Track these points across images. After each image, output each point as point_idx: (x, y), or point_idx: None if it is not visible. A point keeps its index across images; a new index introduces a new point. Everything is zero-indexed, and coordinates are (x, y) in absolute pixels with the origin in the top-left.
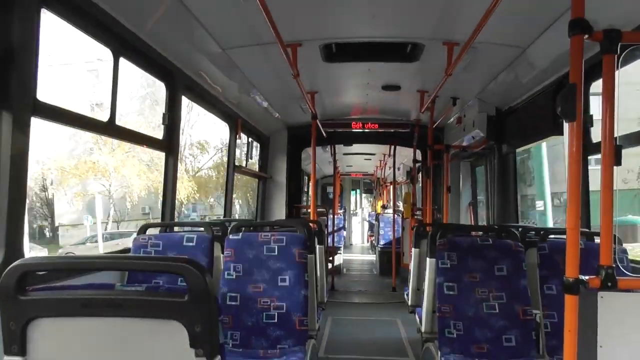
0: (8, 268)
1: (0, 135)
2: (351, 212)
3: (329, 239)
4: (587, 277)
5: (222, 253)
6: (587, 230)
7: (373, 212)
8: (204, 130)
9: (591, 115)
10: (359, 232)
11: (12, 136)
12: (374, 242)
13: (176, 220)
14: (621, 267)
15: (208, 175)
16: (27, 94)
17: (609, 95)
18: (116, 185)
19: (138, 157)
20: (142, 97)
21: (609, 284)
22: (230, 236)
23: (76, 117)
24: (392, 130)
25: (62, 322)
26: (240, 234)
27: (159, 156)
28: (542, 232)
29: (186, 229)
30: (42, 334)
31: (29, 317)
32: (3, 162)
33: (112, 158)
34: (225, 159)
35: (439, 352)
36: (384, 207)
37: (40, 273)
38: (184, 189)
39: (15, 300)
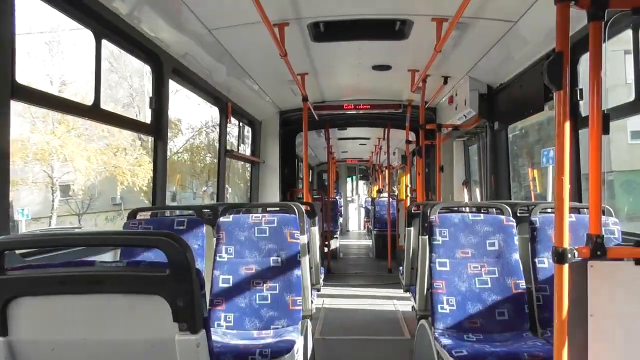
0: None
1: None
2: (347, 199)
3: (325, 224)
4: (576, 247)
5: (214, 236)
6: (577, 203)
7: (369, 198)
8: (178, 108)
9: (581, 89)
10: (356, 219)
11: None
12: (370, 227)
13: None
14: (612, 238)
15: (187, 159)
16: (5, 76)
17: (596, 64)
18: (65, 171)
19: (89, 137)
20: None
21: (598, 252)
22: (221, 218)
23: (58, 101)
24: (384, 112)
25: (42, 300)
26: (232, 216)
27: (132, 136)
28: (533, 207)
29: (177, 212)
30: (22, 313)
31: (8, 296)
32: None
33: (55, 138)
34: (209, 140)
35: (433, 328)
36: (379, 191)
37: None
38: (145, 172)
39: None
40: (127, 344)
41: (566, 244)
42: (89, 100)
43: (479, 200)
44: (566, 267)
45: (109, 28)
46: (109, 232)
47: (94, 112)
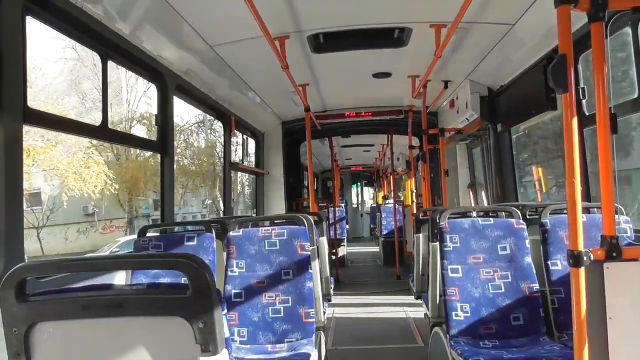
0: (7, 274)
1: None
2: (352, 205)
3: (332, 232)
4: (591, 249)
5: (224, 250)
6: (588, 203)
7: (375, 204)
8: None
9: (583, 88)
10: (362, 226)
11: (4, 144)
12: (376, 233)
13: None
14: (625, 237)
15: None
16: (17, 102)
17: (600, 64)
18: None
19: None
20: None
21: (614, 254)
22: (231, 233)
23: (68, 123)
24: (386, 118)
25: (64, 325)
26: (241, 230)
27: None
28: (543, 209)
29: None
30: (45, 339)
31: (31, 322)
32: None
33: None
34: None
35: (447, 336)
36: (385, 197)
37: (45, 280)
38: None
39: (16, 306)
40: None
41: (581, 247)
42: (97, 121)
43: (485, 203)
44: (582, 270)
45: (114, 49)
46: (129, 255)
47: (102, 132)
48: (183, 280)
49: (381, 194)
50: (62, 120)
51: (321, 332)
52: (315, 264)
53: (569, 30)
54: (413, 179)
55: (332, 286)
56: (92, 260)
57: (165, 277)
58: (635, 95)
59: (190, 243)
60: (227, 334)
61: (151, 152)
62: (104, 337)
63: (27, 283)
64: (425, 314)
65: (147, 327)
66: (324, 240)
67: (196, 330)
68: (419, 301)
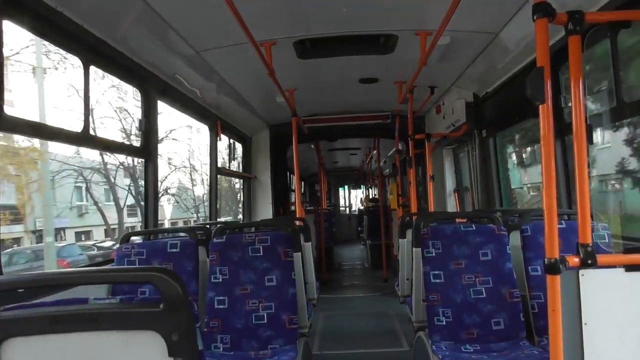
0: None
1: None
2: (340, 208)
3: (319, 236)
4: (567, 256)
5: (208, 257)
6: (568, 210)
7: (362, 207)
8: None
9: (564, 96)
10: (349, 229)
11: None
12: (363, 236)
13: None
14: (600, 245)
15: None
16: None
17: (576, 76)
18: None
19: None
20: None
21: (589, 261)
22: (215, 239)
23: (47, 130)
24: (373, 123)
25: (35, 340)
26: (224, 236)
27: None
28: (524, 214)
29: (170, 235)
30: (16, 354)
31: (1, 337)
32: None
33: None
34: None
35: (430, 340)
36: (371, 200)
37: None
38: None
39: None
40: None
41: (557, 255)
42: (78, 127)
43: (469, 208)
44: (558, 277)
45: (97, 54)
46: (102, 269)
47: (84, 138)
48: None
49: (367, 197)
50: (41, 127)
51: (305, 337)
52: (299, 270)
53: (546, 43)
54: (399, 183)
55: (318, 291)
56: (61, 275)
57: (147, 287)
58: (614, 105)
59: (174, 250)
60: (200, 347)
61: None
62: (77, 353)
63: None
64: (410, 319)
65: (121, 341)
66: (308, 245)
67: (169, 344)
68: (404, 305)
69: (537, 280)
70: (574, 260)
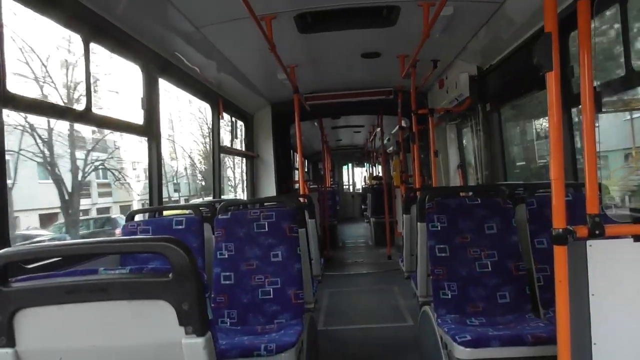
0: None
1: None
2: (344, 186)
3: (322, 214)
4: (574, 227)
5: (213, 234)
6: (573, 182)
7: (366, 186)
8: None
9: (572, 67)
10: (352, 207)
11: None
12: (367, 214)
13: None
14: (609, 215)
15: None
16: None
17: (585, 43)
18: None
19: None
20: None
21: (597, 232)
22: (220, 216)
23: (50, 107)
24: (375, 99)
25: (48, 310)
26: (229, 213)
27: None
28: (529, 188)
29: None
30: (29, 324)
31: (14, 307)
32: None
33: None
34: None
35: (435, 314)
36: (375, 178)
37: (30, 266)
38: None
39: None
40: (134, 350)
41: (564, 225)
42: (81, 105)
43: (474, 183)
44: (565, 248)
45: (97, 31)
46: (111, 239)
47: (87, 116)
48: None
49: (371, 175)
50: (44, 105)
51: (311, 312)
52: (304, 246)
53: (554, 8)
54: (403, 160)
55: (322, 267)
56: (73, 245)
57: (155, 262)
58: (623, 73)
59: (179, 227)
60: (211, 316)
61: None
62: (89, 322)
63: (9, 269)
64: (414, 294)
65: (131, 310)
66: (313, 222)
67: (180, 313)
68: (409, 281)
69: (543, 253)
70: (582, 231)
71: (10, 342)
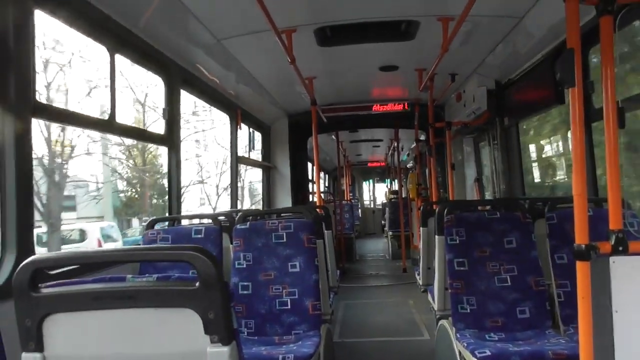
0: (20, 265)
1: (3, 138)
2: (364, 201)
3: (338, 227)
4: (597, 243)
5: (231, 243)
6: (595, 197)
7: (385, 201)
8: None
9: (592, 82)
10: (372, 222)
11: (14, 138)
12: (385, 228)
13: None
14: (632, 232)
15: None
16: (27, 95)
17: (608, 58)
18: None
19: None
20: None
21: (620, 248)
22: (238, 226)
23: (76, 116)
24: (392, 111)
25: (76, 316)
26: (248, 223)
27: None
28: (549, 202)
29: (194, 221)
30: (57, 330)
31: (43, 313)
32: (8, 164)
33: None
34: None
35: (454, 329)
36: (393, 192)
37: (54, 272)
38: None
39: (29, 297)
40: (159, 358)
41: (587, 241)
42: (105, 115)
43: (491, 197)
44: (588, 264)
45: (122, 43)
46: (139, 247)
47: (110, 125)
48: (191, 272)
49: (390, 189)
50: (70, 114)
51: (327, 324)
52: (322, 257)
53: (577, 24)
54: (419, 173)
55: (338, 279)
56: (101, 253)
57: (173, 270)
58: None
59: (198, 236)
60: (235, 326)
61: None
62: (115, 329)
63: (38, 275)
64: (432, 307)
65: (158, 318)
66: (329, 233)
67: (206, 322)
68: (425, 294)
69: (564, 269)
70: (605, 247)
71: (39, 347)
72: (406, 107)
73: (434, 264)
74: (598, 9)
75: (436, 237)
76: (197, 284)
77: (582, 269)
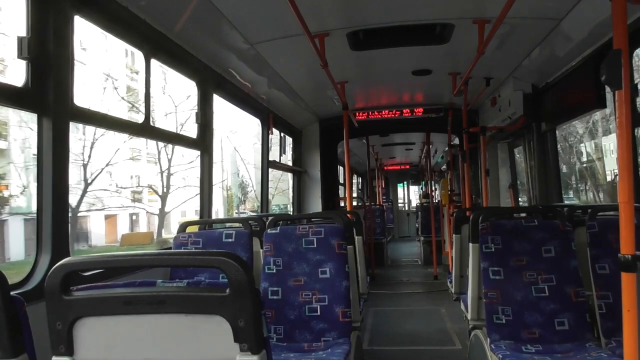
0: (52, 268)
1: (41, 141)
2: (398, 205)
3: (368, 232)
4: None
5: (261, 248)
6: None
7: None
8: None
9: (635, 85)
10: (407, 225)
11: (52, 141)
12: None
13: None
14: None
15: None
16: (65, 99)
17: None
18: None
19: None
20: None
21: None
22: (269, 230)
23: (112, 120)
24: (425, 116)
25: (106, 320)
26: (279, 227)
27: None
28: (590, 210)
29: (225, 225)
30: (87, 333)
31: (74, 316)
32: (45, 166)
33: None
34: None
35: (488, 339)
36: (425, 196)
37: (86, 274)
38: None
39: (60, 300)
40: None
41: (633, 251)
42: (140, 119)
43: (526, 204)
44: (634, 275)
45: (157, 47)
46: (170, 252)
47: (145, 129)
48: (221, 276)
49: (423, 193)
50: (106, 118)
51: (357, 331)
52: (352, 263)
53: (624, 25)
54: (451, 179)
55: (368, 285)
56: (132, 257)
57: (204, 273)
58: None
59: (229, 240)
60: (266, 334)
61: None
62: (145, 334)
63: (71, 278)
64: (465, 317)
65: (187, 324)
66: (360, 239)
67: (236, 330)
68: (457, 303)
69: (605, 280)
70: None
71: (69, 350)
72: (439, 112)
73: (467, 272)
74: None
75: (470, 244)
76: (228, 290)
77: (627, 281)
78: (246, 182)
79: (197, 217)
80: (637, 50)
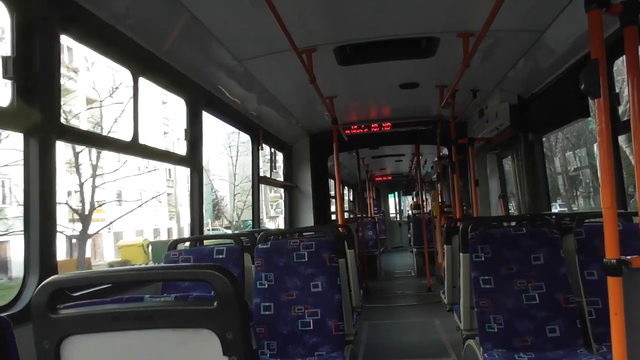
0: (39, 287)
1: (28, 160)
2: (390, 215)
3: (361, 244)
4: (629, 257)
5: (253, 263)
6: (624, 211)
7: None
8: None
9: (617, 94)
10: (399, 235)
11: (39, 160)
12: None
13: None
14: None
15: None
16: (52, 118)
17: (633, 69)
18: None
19: None
20: None
21: None
22: (259, 245)
23: (99, 138)
24: (414, 129)
25: (94, 337)
26: (269, 242)
27: None
28: (577, 217)
29: (216, 241)
30: (75, 351)
31: (61, 335)
32: (32, 184)
33: None
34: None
35: (481, 348)
36: (416, 207)
37: (76, 294)
38: None
39: (47, 318)
40: None
41: (617, 256)
42: (128, 137)
43: (516, 213)
44: (620, 279)
45: (145, 66)
46: (157, 267)
47: (133, 147)
48: (213, 292)
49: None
50: (94, 136)
51: (351, 345)
52: (344, 276)
53: (600, 35)
54: (442, 190)
55: (361, 299)
56: (120, 272)
57: (196, 291)
58: None
59: (220, 256)
60: (254, 346)
61: None
62: (133, 350)
63: (57, 296)
64: (458, 327)
65: (176, 339)
66: (352, 252)
67: (224, 342)
68: (451, 314)
69: (594, 285)
70: (638, 261)
71: None
72: (428, 124)
73: (459, 282)
74: (622, 19)
75: (460, 254)
76: (215, 303)
77: (613, 285)
78: (220, 196)
79: (136, 239)
80: (617, 60)
